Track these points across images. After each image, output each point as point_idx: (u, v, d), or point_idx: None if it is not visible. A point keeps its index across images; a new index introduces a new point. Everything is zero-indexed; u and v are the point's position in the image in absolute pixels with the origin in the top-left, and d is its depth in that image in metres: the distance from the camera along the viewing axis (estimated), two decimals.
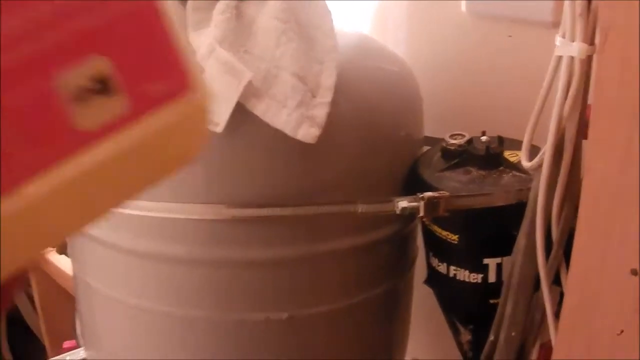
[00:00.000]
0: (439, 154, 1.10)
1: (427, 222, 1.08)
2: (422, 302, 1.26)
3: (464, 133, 1.09)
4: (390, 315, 1.21)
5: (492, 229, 1.03)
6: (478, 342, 1.09)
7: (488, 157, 1.05)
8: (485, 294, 1.05)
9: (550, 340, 0.96)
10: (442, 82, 1.30)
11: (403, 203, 0.98)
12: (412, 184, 1.07)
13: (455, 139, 1.08)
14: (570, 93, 0.86)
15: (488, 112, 1.24)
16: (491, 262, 1.03)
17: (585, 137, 0.85)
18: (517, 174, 1.03)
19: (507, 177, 1.03)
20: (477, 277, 1.04)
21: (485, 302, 1.05)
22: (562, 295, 0.94)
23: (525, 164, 0.94)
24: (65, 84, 0.28)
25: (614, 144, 0.72)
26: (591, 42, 0.84)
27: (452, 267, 1.06)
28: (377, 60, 1.12)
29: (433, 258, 1.10)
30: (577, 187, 0.86)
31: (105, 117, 0.29)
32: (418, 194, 0.98)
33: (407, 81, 1.14)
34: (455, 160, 1.07)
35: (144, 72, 0.30)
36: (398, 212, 0.98)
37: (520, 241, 0.96)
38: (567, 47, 0.85)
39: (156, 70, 0.30)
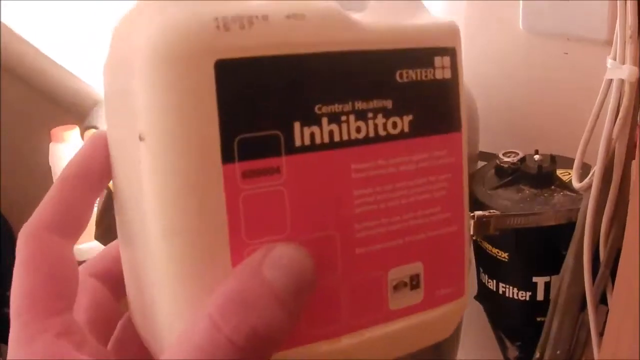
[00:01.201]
0: (493, 171, 1.13)
1: (478, 239, 1.11)
2: (472, 316, 1.28)
3: (517, 151, 1.12)
4: None
5: (542, 247, 1.05)
6: (525, 358, 1.11)
7: (540, 176, 1.08)
8: (533, 312, 1.07)
9: None
10: (497, 98, 1.32)
11: None
12: None
13: (508, 156, 1.12)
14: (620, 115, 0.88)
15: (542, 128, 1.26)
16: (540, 281, 1.05)
17: (634, 158, 0.88)
18: (569, 193, 1.05)
19: (558, 197, 1.05)
20: (525, 295, 1.07)
21: (532, 319, 1.07)
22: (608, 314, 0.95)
23: (576, 184, 0.96)
24: (392, 277, 0.39)
25: None
26: None
27: (501, 284, 1.09)
28: None
29: (483, 274, 1.13)
30: (626, 208, 0.88)
31: (406, 304, 0.39)
32: (469, 212, 0.99)
33: None
34: (508, 178, 1.10)
35: (441, 279, 0.41)
36: None
37: (569, 261, 0.98)
38: (617, 70, 0.88)
39: (448, 278, 0.41)
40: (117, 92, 0.37)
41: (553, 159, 1.09)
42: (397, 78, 0.38)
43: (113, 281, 0.43)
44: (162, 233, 0.34)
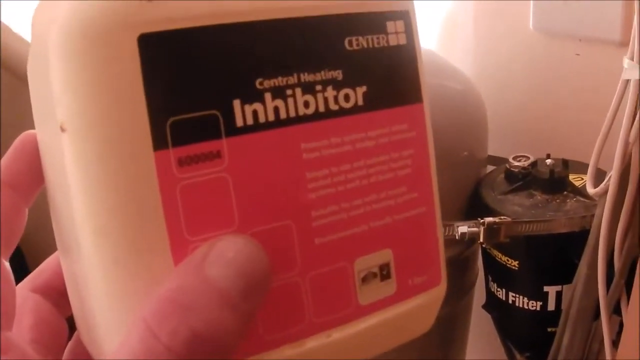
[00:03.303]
0: (502, 175, 1.12)
1: (487, 247, 1.09)
2: (479, 326, 1.27)
3: (528, 155, 1.11)
4: (447, 339, 1.22)
5: (553, 255, 1.04)
6: None
7: (552, 181, 1.06)
8: (543, 322, 1.06)
9: None
10: (507, 100, 1.31)
11: (463, 228, 0.98)
12: (475, 205, 1.09)
13: (519, 161, 1.10)
14: (637, 118, 0.86)
15: (553, 132, 1.25)
16: (551, 290, 1.04)
17: None
18: (582, 199, 1.04)
19: (570, 203, 1.04)
20: (536, 305, 1.05)
21: (543, 329, 1.06)
22: (621, 324, 0.94)
23: (590, 190, 0.94)
24: (359, 268, 0.36)
25: None
26: None
27: (511, 294, 1.08)
28: (441, 77, 1.14)
29: (492, 283, 1.12)
30: None
31: (376, 297, 0.37)
32: (478, 218, 0.99)
33: (471, 100, 1.16)
34: (519, 183, 1.09)
35: (413, 266, 0.38)
36: (457, 237, 0.99)
37: (582, 270, 0.97)
38: (634, 70, 0.86)
39: (421, 265, 0.38)
40: (37, 85, 0.34)
41: (565, 163, 1.08)
42: (346, 46, 0.35)
43: (56, 295, 0.40)
44: (92, 234, 0.31)
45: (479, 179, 1.14)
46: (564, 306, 1.02)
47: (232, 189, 0.32)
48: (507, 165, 1.11)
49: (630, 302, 0.87)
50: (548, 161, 1.08)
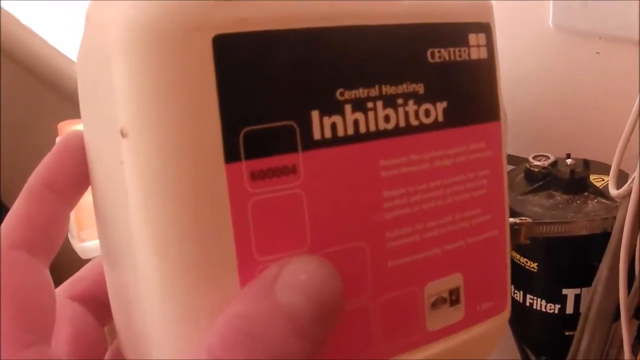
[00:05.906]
0: (522, 175, 1.12)
1: None
2: None
3: (548, 154, 1.11)
4: None
5: (573, 257, 1.04)
6: None
7: (573, 181, 1.06)
8: (561, 325, 1.06)
9: None
10: (526, 99, 1.31)
11: None
12: None
13: (539, 160, 1.10)
14: None
15: (573, 131, 1.25)
16: (570, 293, 1.04)
17: None
18: (603, 200, 1.04)
19: (591, 204, 1.04)
20: (554, 308, 1.05)
21: (560, 333, 1.06)
22: (639, 328, 0.94)
23: (613, 192, 0.94)
24: (429, 293, 0.35)
25: None
26: None
27: (529, 296, 1.07)
28: None
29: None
30: None
31: (444, 323, 0.36)
32: None
33: None
34: (539, 183, 1.09)
35: (482, 291, 0.37)
36: None
37: (602, 273, 0.96)
38: None
39: (490, 291, 0.38)
40: (92, 84, 0.32)
41: (586, 163, 1.08)
42: (429, 58, 0.34)
43: (96, 304, 0.39)
44: (153, 250, 0.29)
45: None
46: (582, 309, 1.02)
47: (306, 206, 0.31)
48: (527, 165, 1.11)
49: None
50: (568, 161, 1.09)
